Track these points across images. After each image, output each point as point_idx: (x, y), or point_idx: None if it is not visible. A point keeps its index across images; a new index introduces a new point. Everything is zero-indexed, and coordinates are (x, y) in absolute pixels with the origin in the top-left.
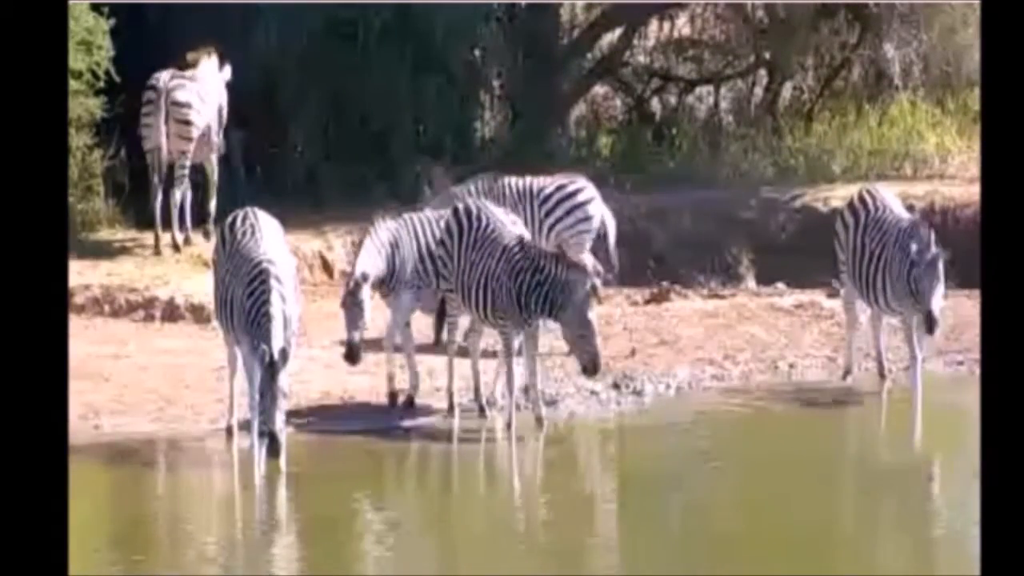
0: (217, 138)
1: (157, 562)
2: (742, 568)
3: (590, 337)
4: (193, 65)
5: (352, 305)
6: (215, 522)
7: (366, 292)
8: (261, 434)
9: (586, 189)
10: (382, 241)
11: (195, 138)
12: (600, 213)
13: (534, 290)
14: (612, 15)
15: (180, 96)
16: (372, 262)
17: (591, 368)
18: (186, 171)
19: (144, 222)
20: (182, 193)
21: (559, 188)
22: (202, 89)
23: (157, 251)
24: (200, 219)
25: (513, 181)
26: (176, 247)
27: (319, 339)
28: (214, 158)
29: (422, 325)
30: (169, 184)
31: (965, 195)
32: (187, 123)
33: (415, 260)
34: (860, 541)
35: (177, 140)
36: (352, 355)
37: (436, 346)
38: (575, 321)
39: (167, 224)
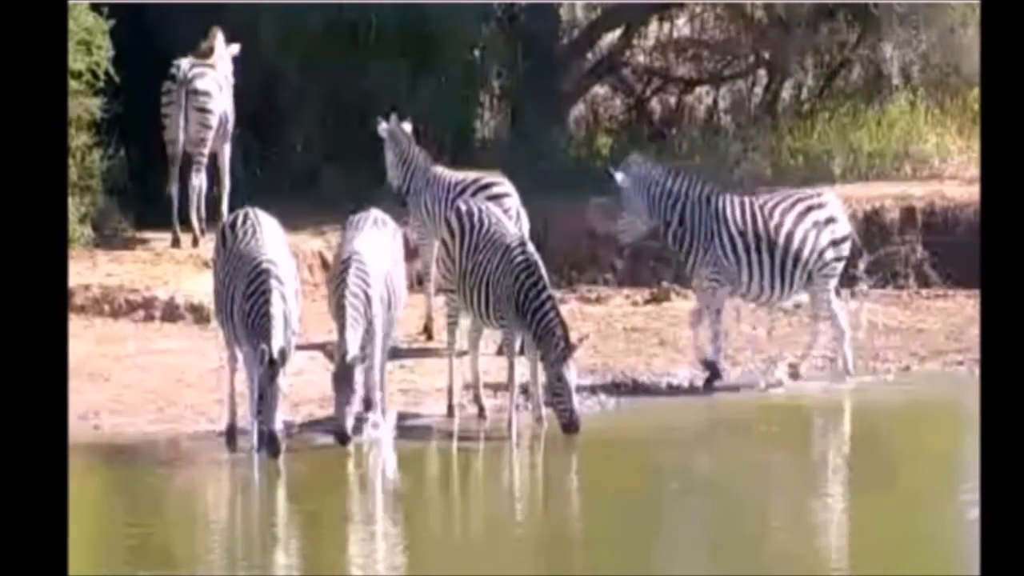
0: (232, 127)
1: (157, 563)
2: (743, 567)
3: (566, 396)
4: (209, 53)
5: (346, 385)
6: (215, 523)
7: (359, 373)
8: (261, 434)
9: (502, 185)
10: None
11: (214, 127)
12: (515, 209)
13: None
14: (612, 15)
15: (200, 85)
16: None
17: (570, 428)
18: (204, 160)
19: (144, 222)
20: (199, 183)
21: (475, 181)
22: (221, 77)
23: (176, 243)
24: (212, 213)
25: (440, 170)
26: (195, 240)
27: (319, 339)
28: (227, 148)
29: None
30: (186, 174)
31: (965, 195)
32: (206, 111)
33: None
34: (859, 540)
35: (197, 128)
36: (345, 441)
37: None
38: (550, 377)
39: (183, 216)
